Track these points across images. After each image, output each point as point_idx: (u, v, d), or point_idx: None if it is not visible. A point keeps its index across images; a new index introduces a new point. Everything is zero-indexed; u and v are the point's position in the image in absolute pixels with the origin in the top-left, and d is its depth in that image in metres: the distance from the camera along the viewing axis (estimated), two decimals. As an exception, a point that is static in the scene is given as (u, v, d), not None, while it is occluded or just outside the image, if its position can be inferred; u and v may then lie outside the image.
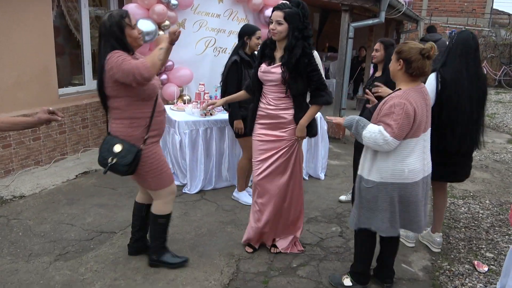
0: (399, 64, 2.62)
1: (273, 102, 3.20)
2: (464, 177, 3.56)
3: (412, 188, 2.67)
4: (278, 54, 3.17)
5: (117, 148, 2.76)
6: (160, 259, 3.16)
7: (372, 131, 2.55)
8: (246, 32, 4.11)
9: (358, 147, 3.52)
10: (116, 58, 2.61)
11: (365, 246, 2.94)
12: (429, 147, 2.77)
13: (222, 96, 4.16)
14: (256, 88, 3.31)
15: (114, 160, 2.74)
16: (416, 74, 2.60)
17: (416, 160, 2.65)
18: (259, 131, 3.31)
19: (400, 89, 2.64)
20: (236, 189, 4.54)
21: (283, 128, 3.22)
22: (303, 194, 3.52)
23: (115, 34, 2.69)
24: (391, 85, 3.63)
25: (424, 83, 2.98)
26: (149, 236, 3.21)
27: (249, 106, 4.01)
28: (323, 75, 3.26)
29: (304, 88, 3.17)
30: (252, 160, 3.40)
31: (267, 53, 3.22)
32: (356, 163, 3.76)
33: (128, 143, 2.78)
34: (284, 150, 3.24)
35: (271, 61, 3.18)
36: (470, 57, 3.23)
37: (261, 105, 3.28)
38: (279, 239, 3.50)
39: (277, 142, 3.24)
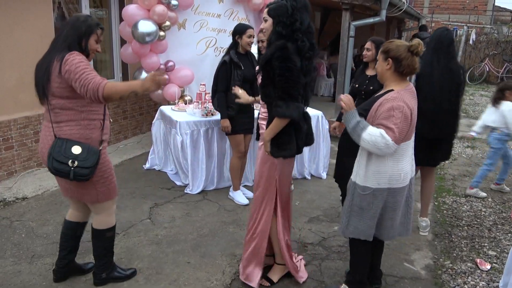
0: (388, 63, 2.54)
1: (262, 108, 2.94)
2: (440, 161, 3.97)
3: (402, 191, 2.62)
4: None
5: (76, 149, 2.52)
6: (111, 276, 3.00)
7: (373, 134, 2.43)
8: (237, 32, 4.13)
9: (345, 147, 3.51)
10: (77, 64, 2.43)
11: (361, 254, 2.83)
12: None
13: (213, 95, 4.25)
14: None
15: (76, 163, 2.50)
16: (407, 72, 2.53)
17: (407, 163, 2.60)
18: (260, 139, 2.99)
19: (391, 90, 2.54)
20: (231, 188, 4.55)
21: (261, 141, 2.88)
22: (288, 217, 3.05)
23: (81, 32, 2.54)
24: None
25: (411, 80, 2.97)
26: (94, 256, 2.96)
27: (235, 106, 4.04)
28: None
29: (274, 95, 2.63)
30: None
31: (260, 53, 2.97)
32: (340, 164, 3.75)
33: (87, 144, 2.58)
34: (260, 160, 2.88)
35: None
36: (442, 51, 3.53)
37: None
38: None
39: (260, 150, 2.92)
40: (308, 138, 2.90)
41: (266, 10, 2.70)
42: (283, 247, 2.99)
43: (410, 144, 2.62)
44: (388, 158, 2.53)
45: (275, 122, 2.63)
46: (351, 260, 2.90)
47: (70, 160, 2.49)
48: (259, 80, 2.78)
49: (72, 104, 2.55)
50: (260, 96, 2.80)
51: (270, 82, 2.61)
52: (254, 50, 4.32)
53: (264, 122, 2.91)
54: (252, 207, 2.96)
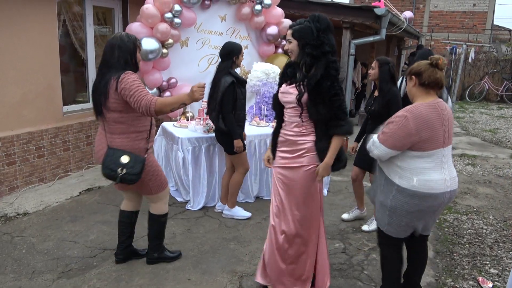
0: (412, 80, 2.69)
1: (293, 126, 2.87)
2: None
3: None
4: (299, 73, 2.89)
5: (125, 159, 2.93)
6: (161, 256, 3.47)
7: (371, 139, 2.74)
8: (235, 52, 4.13)
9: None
10: (132, 82, 2.81)
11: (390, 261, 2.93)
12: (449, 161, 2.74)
13: (217, 115, 4.14)
14: (277, 111, 3.02)
15: (124, 171, 2.91)
16: (429, 83, 2.62)
17: (434, 172, 2.65)
18: (279, 161, 2.96)
19: None
20: (226, 207, 4.50)
21: (302, 157, 2.85)
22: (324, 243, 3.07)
23: (131, 51, 2.96)
24: (394, 104, 3.77)
25: (441, 97, 2.97)
26: (149, 237, 3.44)
27: (243, 125, 4.16)
28: None
29: (327, 113, 2.74)
30: (272, 190, 3.08)
31: (288, 72, 2.91)
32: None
33: (134, 154, 2.98)
34: (301, 181, 2.88)
35: (291, 81, 2.87)
36: None
37: (282, 130, 2.97)
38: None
39: (295, 171, 2.88)
40: None
41: (289, 31, 2.81)
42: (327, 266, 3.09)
43: (431, 154, 2.60)
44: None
45: (337, 141, 2.80)
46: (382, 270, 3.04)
47: (119, 168, 2.92)
48: (289, 97, 2.83)
49: (125, 119, 2.94)
50: (309, 116, 2.80)
51: (321, 101, 2.72)
52: (257, 67, 4.40)
53: (284, 149, 2.93)
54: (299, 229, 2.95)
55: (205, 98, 5.19)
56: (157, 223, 3.40)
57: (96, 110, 2.99)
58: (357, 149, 4.38)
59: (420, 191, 2.58)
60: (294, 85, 2.81)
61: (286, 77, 2.92)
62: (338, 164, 2.91)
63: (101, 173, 3.03)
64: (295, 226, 2.93)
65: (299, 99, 2.76)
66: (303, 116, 2.81)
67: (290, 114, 2.87)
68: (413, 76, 2.69)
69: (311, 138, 2.83)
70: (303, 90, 2.76)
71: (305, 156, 2.83)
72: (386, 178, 2.73)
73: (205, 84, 2.97)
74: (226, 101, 4.05)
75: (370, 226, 4.28)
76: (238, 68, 4.39)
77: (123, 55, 2.91)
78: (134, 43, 2.99)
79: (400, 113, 2.61)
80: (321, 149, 2.81)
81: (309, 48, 2.72)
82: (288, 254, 2.97)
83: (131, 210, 3.43)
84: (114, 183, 3.21)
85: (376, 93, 4.09)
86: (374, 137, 2.72)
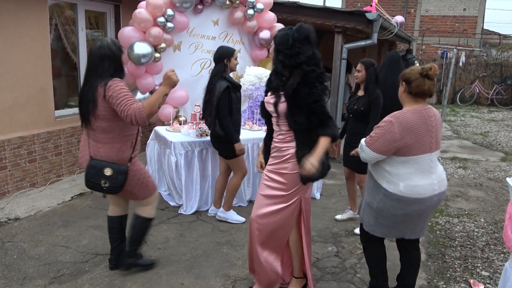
0: (403, 86, 2.76)
1: (277, 134, 2.89)
2: None
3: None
4: (274, 80, 2.86)
5: (107, 171, 2.92)
6: (137, 262, 3.37)
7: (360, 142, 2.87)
8: (225, 55, 4.15)
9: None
10: (119, 90, 2.80)
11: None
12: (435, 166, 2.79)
13: (213, 120, 4.14)
14: (266, 119, 3.03)
15: (107, 184, 2.92)
16: (416, 93, 2.70)
17: (419, 178, 2.71)
18: (268, 165, 2.97)
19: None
20: (221, 209, 4.49)
21: (287, 162, 2.83)
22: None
23: (119, 59, 2.95)
24: (375, 105, 4.01)
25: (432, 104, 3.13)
26: (129, 240, 3.33)
27: (239, 129, 4.17)
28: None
29: (307, 121, 2.73)
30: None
31: (272, 79, 2.87)
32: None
33: (116, 164, 2.96)
34: (285, 185, 2.86)
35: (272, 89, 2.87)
36: (394, 69, 4.27)
37: (273, 137, 2.98)
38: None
39: (281, 175, 2.87)
40: None
41: (275, 35, 2.84)
42: (307, 260, 3.06)
43: (418, 159, 2.67)
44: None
45: (324, 141, 2.72)
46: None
47: (103, 181, 2.92)
48: (270, 107, 2.82)
49: (113, 128, 2.93)
50: (288, 124, 2.78)
51: (299, 110, 2.70)
52: (250, 71, 4.41)
53: (273, 155, 2.91)
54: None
55: (198, 102, 5.23)
56: (141, 226, 3.32)
57: (83, 118, 2.96)
58: (341, 147, 4.58)
59: (407, 196, 2.65)
60: (273, 95, 2.82)
61: (270, 84, 2.89)
62: (321, 173, 2.78)
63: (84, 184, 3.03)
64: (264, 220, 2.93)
65: (275, 109, 2.77)
66: (282, 125, 2.81)
67: (273, 122, 2.90)
68: (403, 82, 2.75)
69: (292, 144, 2.82)
70: (280, 100, 2.75)
71: (290, 162, 2.82)
72: (374, 181, 2.80)
73: (173, 68, 3.06)
74: (222, 106, 4.04)
75: (343, 216, 4.56)
76: (232, 73, 4.39)
77: (113, 65, 2.92)
78: (120, 49, 2.99)
79: (386, 118, 2.70)
80: (300, 158, 2.76)
81: (281, 56, 2.73)
82: (258, 238, 2.97)
83: (119, 215, 3.37)
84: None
85: (360, 93, 4.22)
86: (362, 141, 2.82)
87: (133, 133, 3.05)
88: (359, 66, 4.15)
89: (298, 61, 2.69)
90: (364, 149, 2.76)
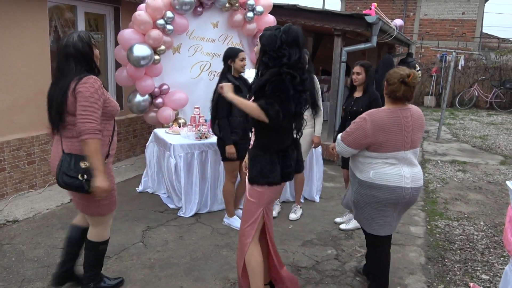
0: (385, 86, 2.89)
1: (253, 137, 2.88)
2: None
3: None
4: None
5: (84, 164, 2.61)
6: (98, 287, 3.03)
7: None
8: (229, 56, 4.15)
9: None
10: (91, 94, 2.57)
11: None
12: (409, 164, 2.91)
13: (213, 121, 4.16)
14: None
15: (85, 176, 2.59)
16: (390, 96, 2.85)
17: (390, 171, 2.85)
18: None
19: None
20: (226, 215, 4.49)
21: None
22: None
23: (87, 55, 2.69)
24: (375, 105, 3.97)
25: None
26: (85, 266, 2.99)
27: (239, 131, 4.09)
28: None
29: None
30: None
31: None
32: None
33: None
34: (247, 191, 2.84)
35: None
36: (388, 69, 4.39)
37: None
38: None
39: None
40: (298, 165, 2.95)
41: (261, 34, 2.71)
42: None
43: (389, 155, 2.82)
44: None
45: (249, 105, 2.61)
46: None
47: (80, 174, 2.60)
48: None
49: None
50: (249, 123, 2.76)
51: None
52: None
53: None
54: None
55: (198, 104, 5.23)
56: (95, 251, 2.96)
57: (53, 123, 2.71)
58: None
59: (376, 182, 2.82)
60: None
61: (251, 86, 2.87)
62: (262, 178, 2.71)
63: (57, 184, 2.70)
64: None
65: None
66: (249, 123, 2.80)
67: None
68: (385, 82, 2.88)
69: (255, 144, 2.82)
70: (250, 100, 2.70)
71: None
72: (352, 174, 3.02)
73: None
74: (221, 106, 4.04)
75: (343, 218, 4.60)
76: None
77: (80, 64, 2.66)
78: (89, 45, 2.70)
79: (362, 115, 2.86)
80: (250, 156, 2.79)
81: (266, 57, 2.62)
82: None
83: (85, 226, 3.01)
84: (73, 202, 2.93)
85: (357, 94, 4.28)
86: (339, 135, 2.99)
87: (109, 130, 2.81)
88: (358, 69, 4.20)
89: (280, 63, 2.57)
90: (339, 143, 2.94)
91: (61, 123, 2.68)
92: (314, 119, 4.47)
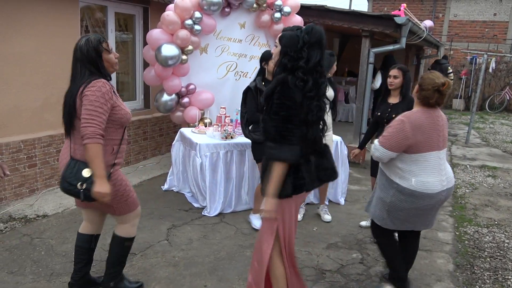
0: (416, 88, 2.95)
1: None
2: None
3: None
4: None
5: (86, 173, 2.58)
6: (118, 286, 3.00)
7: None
8: (264, 58, 4.20)
9: None
10: (96, 99, 2.53)
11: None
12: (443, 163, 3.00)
13: (242, 118, 4.22)
14: None
15: (84, 186, 2.56)
16: (422, 101, 2.90)
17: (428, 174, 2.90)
18: None
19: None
20: (252, 211, 4.50)
21: None
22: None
23: (92, 59, 2.65)
24: None
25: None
26: (108, 262, 2.99)
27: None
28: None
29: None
30: None
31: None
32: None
33: None
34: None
35: None
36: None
37: None
38: None
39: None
40: (328, 174, 2.69)
41: (279, 35, 2.59)
42: None
43: (428, 156, 2.87)
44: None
45: (275, 169, 2.41)
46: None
47: (79, 183, 2.56)
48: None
49: None
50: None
51: (269, 117, 2.47)
52: None
53: None
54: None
55: (224, 104, 5.24)
56: (120, 247, 2.97)
57: (66, 126, 2.72)
58: (361, 157, 4.53)
59: (418, 191, 2.85)
60: None
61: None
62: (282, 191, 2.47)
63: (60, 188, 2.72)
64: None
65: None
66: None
67: None
68: (418, 86, 2.92)
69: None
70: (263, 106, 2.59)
71: None
72: (387, 178, 3.00)
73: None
74: (248, 104, 4.14)
75: (368, 222, 4.50)
76: None
77: (85, 67, 2.65)
78: (96, 49, 2.65)
79: (398, 118, 2.92)
80: (262, 167, 2.62)
81: (286, 59, 2.45)
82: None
83: (91, 233, 3.01)
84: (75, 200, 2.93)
85: (392, 100, 4.11)
86: (376, 141, 3.00)
87: (115, 139, 2.74)
88: (396, 72, 3.99)
89: (298, 65, 2.42)
90: (378, 148, 2.92)
91: (71, 128, 2.68)
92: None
